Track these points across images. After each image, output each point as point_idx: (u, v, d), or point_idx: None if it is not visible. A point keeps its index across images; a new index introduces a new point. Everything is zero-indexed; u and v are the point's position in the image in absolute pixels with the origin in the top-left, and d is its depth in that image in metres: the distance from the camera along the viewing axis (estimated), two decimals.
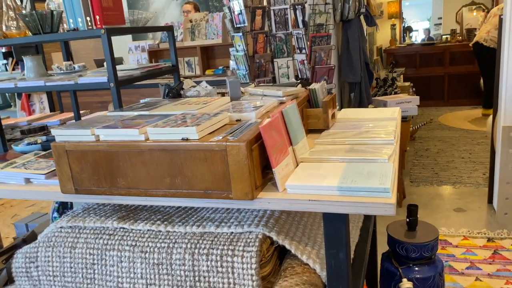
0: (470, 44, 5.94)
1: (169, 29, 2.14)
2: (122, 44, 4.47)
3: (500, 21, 2.81)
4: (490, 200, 3.16)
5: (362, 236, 1.53)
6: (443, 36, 7.52)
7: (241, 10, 2.97)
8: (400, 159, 3.35)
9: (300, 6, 2.96)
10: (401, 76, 6.07)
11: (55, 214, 2.13)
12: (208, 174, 1.00)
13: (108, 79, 1.54)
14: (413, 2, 11.09)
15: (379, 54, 6.63)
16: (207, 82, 3.99)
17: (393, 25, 7.04)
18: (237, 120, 1.19)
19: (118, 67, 1.68)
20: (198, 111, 1.24)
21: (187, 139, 1.00)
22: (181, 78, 2.16)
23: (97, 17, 1.38)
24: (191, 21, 4.09)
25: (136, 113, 1.30)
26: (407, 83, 4.68)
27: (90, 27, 1.44)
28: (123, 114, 1.32)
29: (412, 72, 6.79)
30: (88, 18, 1.37)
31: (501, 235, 2.66)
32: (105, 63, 4.25)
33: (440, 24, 8.40)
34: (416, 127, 4.87)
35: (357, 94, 3.18)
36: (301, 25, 3.01)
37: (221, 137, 1.00)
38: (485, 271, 2.30)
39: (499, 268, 2.32)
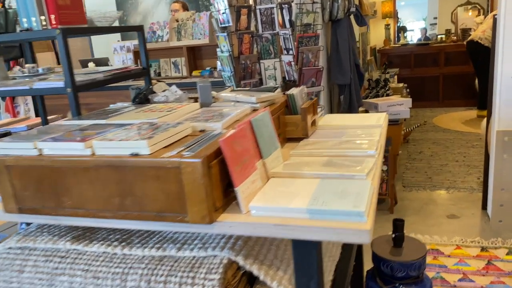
0: (465, 42, 5.85)
1: (138, 29, 2.02)
2: (109, 44, 4.34)
3: (495, 21, 2.70)
4: (484, 206, 3.05)
5: (344, 253, 1.42)
6: (438, 36, 7.43)
7: (225, 9, 2.86)
8: (392, 164, 3.25)
9: (286, 5, 2.85)
10: (395, 76, 5.97)
11: (23, 225, 2.00)
12: (161, 195, 0.88)
13: (65, 84, 1.42)
14: (408, 2, 11.00)
15: (373, 55, 6.52)
16: (193, 83, 3.87)
17: (387, 25, 6.94)
18: (200, 131, 1.07)
19: (80, 70, 1.56)
20: (159, 119, 1.12)
21: (136, 155, 0.89)
22: (154, 81, 2.03)
23: (52, 16, 1.26)
24: (177, 21, 3.97)
25: (92, 122, 1.18)
26: (400, 84, 4.58)
27: (45, 27, 1.31)
28: (79, 123, 1.20)
29: (407, 73, 6.69)
30: (42, 17, 1.25)
31: (495, 244, 2.56)
32: (90, 64, 4.10)
33: (436, 24, 8.32)
34: (409, 129, 4.77)
35: (346, 96, 3.07)
36: (288, 25, 2.90)
37: (175, 152, 0.88)
38: (478, 283, 2.19)
39: (493, 280, 2.21)
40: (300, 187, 0.97)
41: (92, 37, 5.53)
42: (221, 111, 1.23)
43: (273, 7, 2.91)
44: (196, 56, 3.94)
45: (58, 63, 5.44)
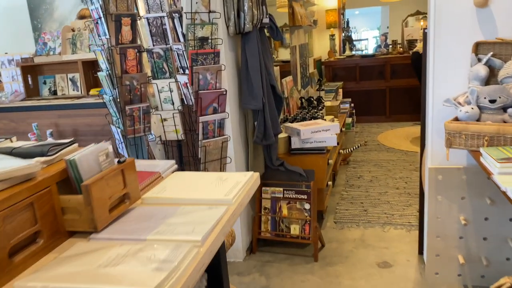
0: (411, 52, 5.54)
1: None
2: None
3: (425, 35, 2.28)
4: (421, 251, 2.62)
5: None
6: (390, 46, 7.15)
7: (100, 17, 2.30)
8: (315, 201, 2.76)
9: (177, 15, 2.32)
10: (339, 90, 5.58)
11: None
12: None
13: None
14: (362, 11, 10.78)
15: (316, 67, 6.11)
16: (90, 104, 3.24)
17: (332, 35, 6.56)
18: None
19: None
20: None
21: None
22: None
23: None
24: (73, 30, 3.37)
25: None
26: (336, 103, 4.15)
27: None
28: None
29: (352, 86, 6.33)
30: None
31: None
32: None
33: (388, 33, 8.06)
34: (350, 150, 4.34)
35: (260, 123, 2.57)
36: (181, 39, 2.37)
37: None
38: None
39: None
40: None
41: None
42: None
43: (163, 17, 2.38)
44: (96, 71, 3.34)
45: None
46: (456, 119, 1.90)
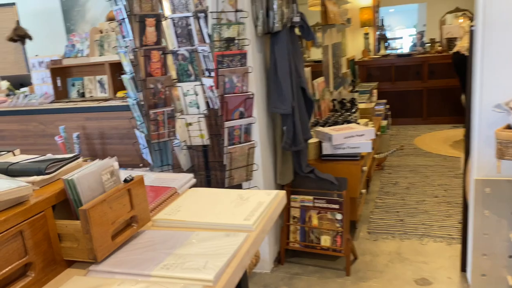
0: (450, 52, 5.26)
1: None
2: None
3: (471, 34, 2.07)
4: (463, 268, 2.40)
5: None
6: (427, 45, 6.83)
7: (124, 18, 2.22)
8: (347, 211, 2.59)
9: (203, 14, 2.21)
10: (373, 91, 5.36)
11: None
12: None
13: None
14: (398, 9, 10.42)
15: (350, 67, 5.90)
16: (116, 107, 3.20)
17: (366, 34, 6.33)
18: None
19: None
20: None
21: None
22: None
23: None
24: (101, 32, 3.33)
25: None
26: (370, 105, 3.95)
27: None
28: None
29: (388, 86, 6.08)
30: None
31: None
32: (3, 82, 3.42)
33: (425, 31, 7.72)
34: (384, 154, 4.13)
35: (289, 128, 2.43)
36: (207, 40, 2.26)
37: None
38: None
39: None
40: None
41: (27, 50, 4.89)
42: None
43: (189, 17, 2.28)
44: (121, 75, 3.29)
45: None
46: (508, 126, 1.70)
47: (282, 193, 1.03)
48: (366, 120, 3.43)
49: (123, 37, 2.29)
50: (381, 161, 4.26)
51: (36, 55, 3.57)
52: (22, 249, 0.69)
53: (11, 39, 4.56)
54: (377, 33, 6.66)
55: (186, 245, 0.81)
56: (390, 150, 4.40)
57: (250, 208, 0.93)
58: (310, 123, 3.24)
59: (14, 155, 0.96)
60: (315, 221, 2.58)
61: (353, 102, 3.70)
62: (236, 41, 2.14)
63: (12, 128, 3.35)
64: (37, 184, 0.79)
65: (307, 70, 3.38)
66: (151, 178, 1.14)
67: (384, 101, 5.32)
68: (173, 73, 2.41)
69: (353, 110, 3.54)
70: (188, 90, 2.36)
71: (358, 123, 3.15)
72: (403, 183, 3.85)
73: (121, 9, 2.18)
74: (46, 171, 0.81)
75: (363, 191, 2.97)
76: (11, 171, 0.81)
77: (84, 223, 0.73)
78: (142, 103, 2.26)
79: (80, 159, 0.90)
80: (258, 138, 2.37)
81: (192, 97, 2.37)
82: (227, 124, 2.17)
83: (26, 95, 3.57)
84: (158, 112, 2.28)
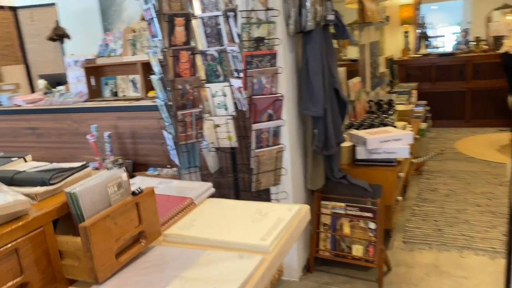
0: (499, 52, 4.96)
1: None
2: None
3: None
4: (508, 285, 2.22)
5: None
6: (471, 43, 6.49)
7: (152, 18, 2.19)
8: (381, 220, 2.46)
9: (233, 13, 2.14)
10: (413, 91, 5.14)
11: None
12: None
13: None
14: (441, 5, 10.00)
15: (388, 66, 5.69)
16: (147, 106, 3.19)
17: (406, 32, 6.08)
18: None
19: None
20: None
21: None
22: None
23: None
24: (134, 31, 3.34)
25: None
26: (409, 107, 3.76)
27: None
28: None
29: (428, 87, 5.82)
30: None
31: None
32: (40, 81, 3.52)
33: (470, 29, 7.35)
34: (423, 159, 3.94)
35: (321, 131, 2.33)
36: (236, 39, 2.19)
37: None
38: None
39: None
40: None
41: (66, 49, 5.00)
42: None
43: (219, 16, 2.21)
44: (150, 75, 3.28)
45: (29, 76, 4.94)
46: None
47: (305, 208, 0.94)
48: (404, 123, 3.26)
49: (152, 37, 2.26)
50: (420, 165, 4.07)
51: (72, 54, 3.63)
52: (17, 267, 0.65)
53: (51, 39, 4.68)
54: (418, 31, 6.39)
55: (195, 266, 0.74)
56: (430, 154, 4.19)
57: (268, 225, 0.85)
58: (344, 125, 3.12)
59: (26, 161, 0.92)
60: (346, 230, 2.46)
61: (390, 103, 3.54)
62: (266, 41, 2.06)
63: (48, 126, 3.41)
64: (39, 196, 0.74)
65: (342, 70, 3.25)
66: (168, 186, 1.08)
67: (424, 102, 5.09)
68: (202, 74, 2.36)
69: (390, 112, 3.38)
70: (216, 91, 2.31)
71: (395, 126, 3.00)
72: (443, 190, 3.65)
73: (150, 8, 2.14)
74: (50, 182, 0.76)
75: (399, 198, 2.82)
76: (16, 180, 0.77)
77: (84, 241, 0.68)
78: (170, 104, 2.23)
79: (89, 168, 0.85)
80: (287, 141, 2.28)
81: (221, 98, 2.31)
82: (255, 126, 2.10)
83: (62, 94, 3.64)
84: (186, 113, 2.24)
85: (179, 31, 2.19)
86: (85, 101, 3.41)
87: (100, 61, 3.37)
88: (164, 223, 0.91)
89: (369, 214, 2.40)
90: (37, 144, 3.51)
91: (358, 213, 2.44)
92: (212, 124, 2.34)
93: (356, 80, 3.54)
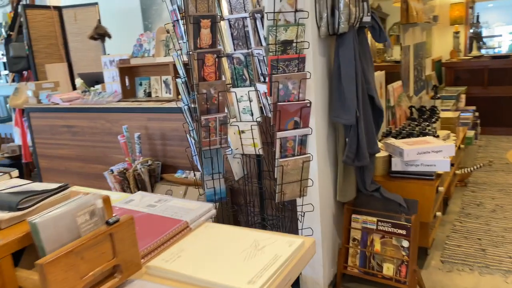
0: None
1: None
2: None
3: None
4: None
5: None
6: None
7: (177, 20, 2.13)
8: (415, 238, 2.26)
9: (259, 15, 2.04)
10: (461, 96, 4.82)
11: None
12: None
13: None
14: (498, 4, 9.39)
15: (435, 69, 5.38)
16: (177, 108, 3.16)
17: (457, 33, 5.72)
18: None
19: None
20: None
21: None
22: None
23: None
24: (167, 32, 3.31)
25: None
26: (455, 114, 3.50)
27: None
28: None
29: (478, 91, 5.45)
30: None
31: None
32: (77, 80, 3.58)
33: None
34: (468, 170, 3.66)
35: (352, 140, 2.18)
36: (263, 42, 2.09)
37: None
38: None
39: None
40: None
41: (108, 48, 5.08)
42: None
43: (246, 17, 2.11)
44: (187, 75, 3.24)
45: (71, 74, 5.06)
46: None
47: (310, 242, 0.83)
48: (447, 131, 3.03)
49: (179, 39, 2.20)
50: (465, 176, 3.79)
51: (108, 54, 3.66)
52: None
53: (92, 37, 4.77)
54: (470, 31, 6.00)
55: None
56: (477, 164, 3.90)
57: (262, 264, 0.74)
58: (382, 133, 2.93)
59: (11, 177, 0.86)
60: (377, 246, 2.30)
61: (433, 110, 3.30)
62: (294, 44, 1.94)
63: (82, 124, 3.46)
64: (4, 223, 0.67)
65: (381, 74, 3.07)
66: (165, 206, 1.00)
67: (473, 107, 4.76)
68: (228, 78, 2.28)
69: (433, 120, 3.16)
70: (242, 96, 2.21)
71: (437, 136, 2.79)
72: (489, 205, 3.37)
73: (175, 10, 2.08)
74: (19, 207, 0.69)
75: (438, 213, 2.61)
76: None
77: (42, 280, 0.60)
78: (194, 107, 2.15)
79: (69, 190, 0.78)
80: (314, 151, 2.15)
81: (246, 103, 2.21)
82: (280, 134, 1.98)
83: (98, 93, 3.68)
84: (210, 118, 2.16)
85: (205, 33, 2.11)
86: (119, 101, 3.43)
87: (134, 62, 3.37)
88: (150, 252, 0.82)
89: (403, 231, 2.23)
90: (72, 142, 3.58)
91: (391, 229, 2.27)
92: (237, 130, 2.25)
93: (396, 84, 3.34)
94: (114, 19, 5.35)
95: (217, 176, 2.29)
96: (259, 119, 2.19)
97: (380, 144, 2.69)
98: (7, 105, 5.77)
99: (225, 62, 2.23)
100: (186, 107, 2.19)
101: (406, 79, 3.83)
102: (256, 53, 2.07)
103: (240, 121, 2.25)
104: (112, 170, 3.01)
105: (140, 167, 2.96)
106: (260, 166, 2.42)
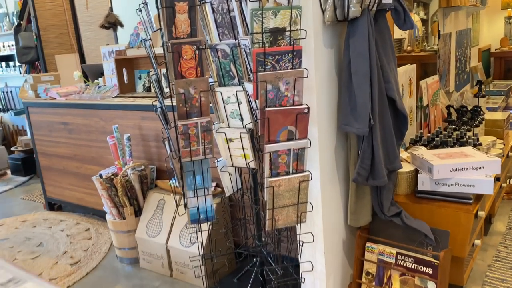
0: None
1: None
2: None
3: None
4: None
5: None
6: None
7: (146, 3, 1.75)
8: (444, 278, 1.77)
9: None
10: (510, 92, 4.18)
11: None
12: None
13: None
14: None
15: (482, 59, 4.73)
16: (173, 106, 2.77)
17: (509, 18, 5.03)
18: None
19: None
20: None
21: None
22: None
23: None
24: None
25: None
26: (503, 115, 2.92)
27: None
28: None
29: None
30: None
31: None
32: (76, 73, 3.30)
33: None
34: None
35: (365, 153, 1.73)
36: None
37: None
38: None
39: None
40: None
41: (120, 38, 4.79)
42: None
43: (230, 0, 1.69)
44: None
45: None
46: None
47: None
48: (493, 138, 2.50)
49: (147, 27, 1.82)
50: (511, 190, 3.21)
51: (107, 44, 3.34)
52: None
53: (103, 26, 4.48)
54: None
55: None
56: None
57: None
58: (410, 139, 2.45)
59: None
60: (396, 285, 1.85)
61: (476, 110, 2.76)
62: (286, 33, 1.51)
63: (78, 121, 3.17)
64: None
65: (411, 68, 2.56)
66: None
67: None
68: (214, 74, 1.87)
69: (476, 122, 2.62)
70: (229, 97, 1.80)
71: (479, 144, 2.27)
72: None
73: None
74: None
75: (477, 242, 2.11)
76: None
77: None
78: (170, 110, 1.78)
79: None
80: (317, 167, 1.71)
81: (234, 105, 1.80)
82: (269, 148, 1.57)
83: (99, 87, 3.38)
84: (189, 124, 1.77)
85: (182, 19, 1.72)
86: (116, 96, 3.11)
87: (130, 53, 3.03)
88: None
89: (428, 270, 1.76)
90: (68, 140, 3.30)
91: (413, 265, 1.81)
92: (224, 138, 1.85)
93: (431, 79, 2.81)
94: (126, 7, 5.05)
95: (202, 193, 1.90)
96: (249, 126, 1.77)
97: (406, 155, 2.21)
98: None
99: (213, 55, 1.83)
100: (159, 109, 1.82)
101: (445, 72, 3.29)
102: (243, 44, 1.65)
103: (228, 127, 1.85)
104: (101, 175, 2.70)
105: (129, 172, 2.63)
106: (256, 179, 2.01)
